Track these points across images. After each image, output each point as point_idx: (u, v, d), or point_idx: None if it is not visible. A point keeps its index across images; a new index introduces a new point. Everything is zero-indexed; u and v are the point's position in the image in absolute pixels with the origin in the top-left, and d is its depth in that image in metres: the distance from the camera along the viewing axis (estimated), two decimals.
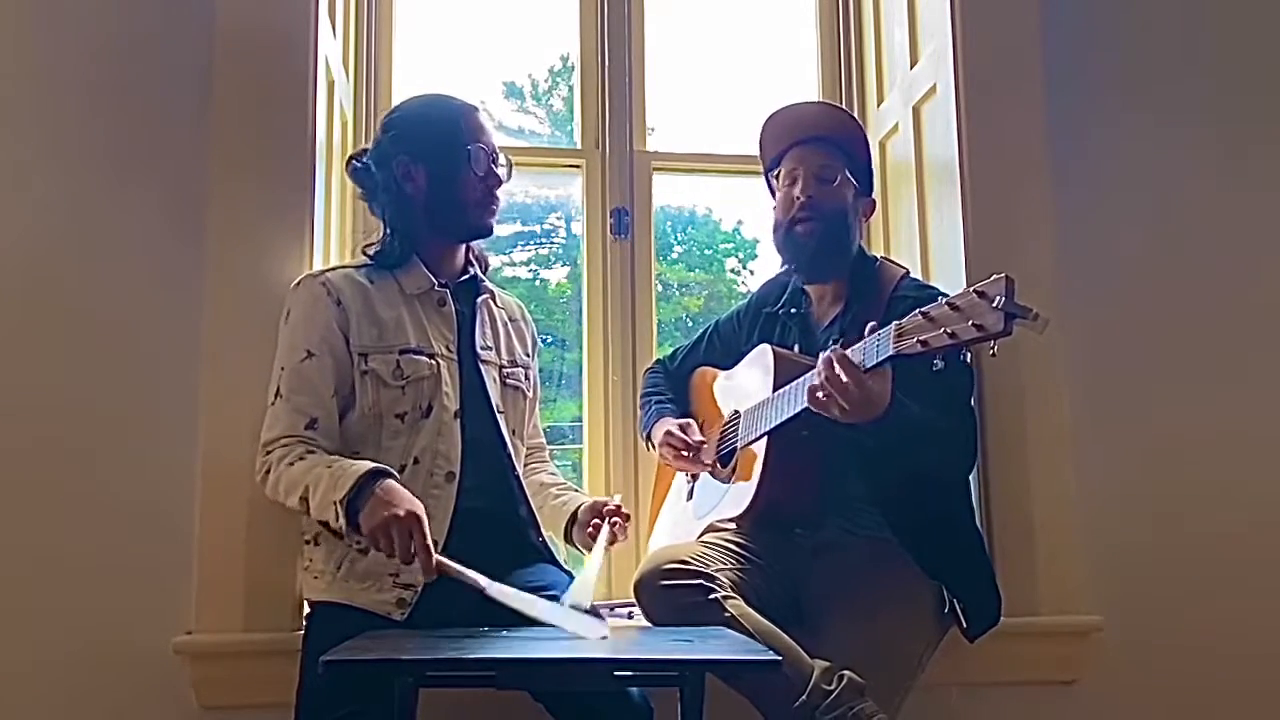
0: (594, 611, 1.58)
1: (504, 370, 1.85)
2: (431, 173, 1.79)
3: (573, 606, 1.52)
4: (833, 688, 1.55)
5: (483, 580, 1.51)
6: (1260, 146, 2.32)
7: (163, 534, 1.89)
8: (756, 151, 2.04)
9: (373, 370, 1.70)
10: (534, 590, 1.67)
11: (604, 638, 1.47)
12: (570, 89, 2.74)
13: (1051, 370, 2.06)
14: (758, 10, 2.84)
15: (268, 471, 1.68)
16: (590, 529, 1.77)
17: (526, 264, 2.92)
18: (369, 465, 1.57)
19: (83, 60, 2.02)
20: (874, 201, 2.00)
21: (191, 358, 1.90)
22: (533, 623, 1.51)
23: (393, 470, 1.60)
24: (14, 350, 1.94)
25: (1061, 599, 2.01)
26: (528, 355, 1.92)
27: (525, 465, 1.90)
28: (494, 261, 2.06)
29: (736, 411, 1.94)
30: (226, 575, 1.83)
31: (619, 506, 1.77)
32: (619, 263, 2.44)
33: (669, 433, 1.99)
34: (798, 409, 1.68)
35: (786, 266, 2.00)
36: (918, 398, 1.65)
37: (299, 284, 1.77)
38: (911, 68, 2.33)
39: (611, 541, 1.75)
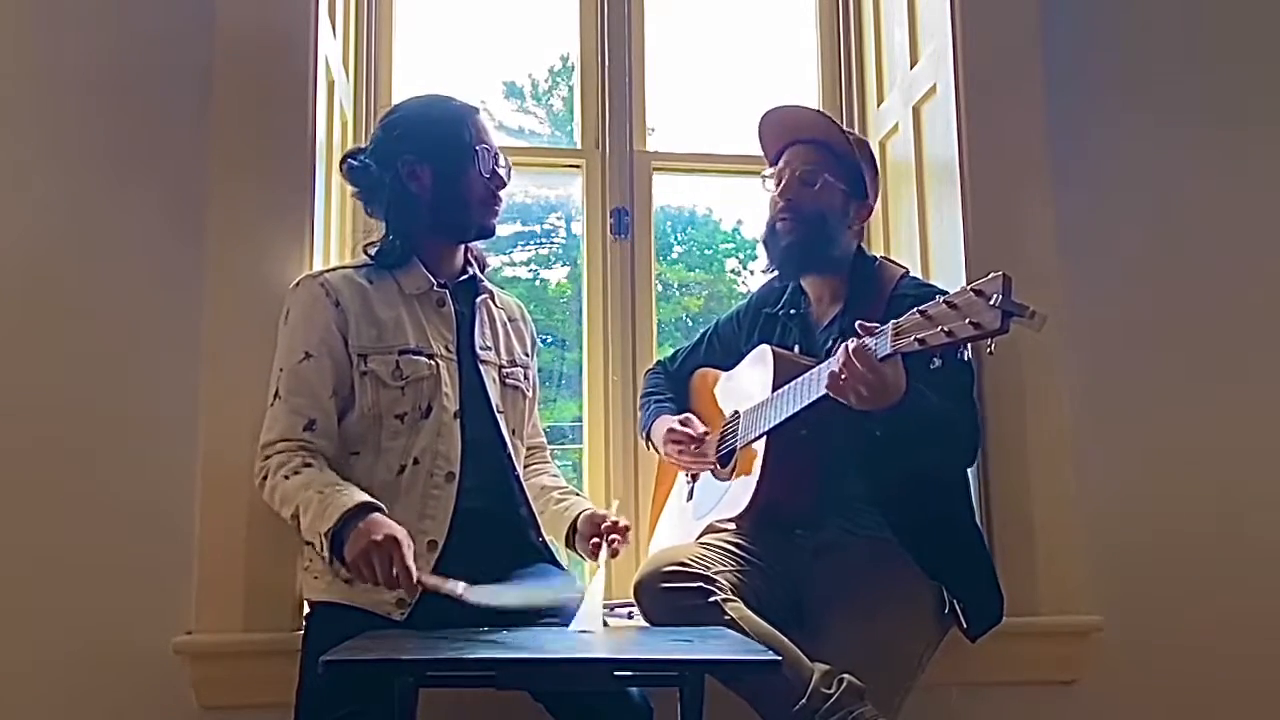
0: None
1: (503, 370, 1.85)
2: (437, 172, 1.79)
3: (581, 631, 1.53)
4: (832, 691, 1.55)
5: (460, 587, 1.53)
6: (1260, 146, 2.32)
7: (163, 534, 1.89)
8: (756, 152, 2.06)
9: (372, 371, 1.70)
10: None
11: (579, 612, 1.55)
12: (570, 89, 2.74)
13: (1051, 370, 2.06)
14: (758, 10, 2.84)
15: (265, 477, 1.68)
16: (590, 545, 1.76)
17: (526, 264, 2.92)
18: (358, 499, 1.58)
19: (83, 60, 2.02)
20: (870, 205, 1.99)
21: (191, 358, 1.90)
22: (526, 617, 1.53)
23: (380, 505, 1.60)
24: (14, 350, 1.94)
25: (1061, 599, 2.01)
26: (527, 355, 1.92)
27: (526, 466, 1.90)
28: (494, 261, 2.06)
29: (736, 412, 1.94)
30: (226, 575, 1.83)
31: (616, 522, 1.76)
32: (619, 263, 2.44)
33: (671, 429, 1.99)
34: (806, 402, 1.68)
35: (768, 266, 2.01)
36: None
37: (298, 284, 1.77)
38: (911, 68, 2.33)
39: (612, 556, 1.74)
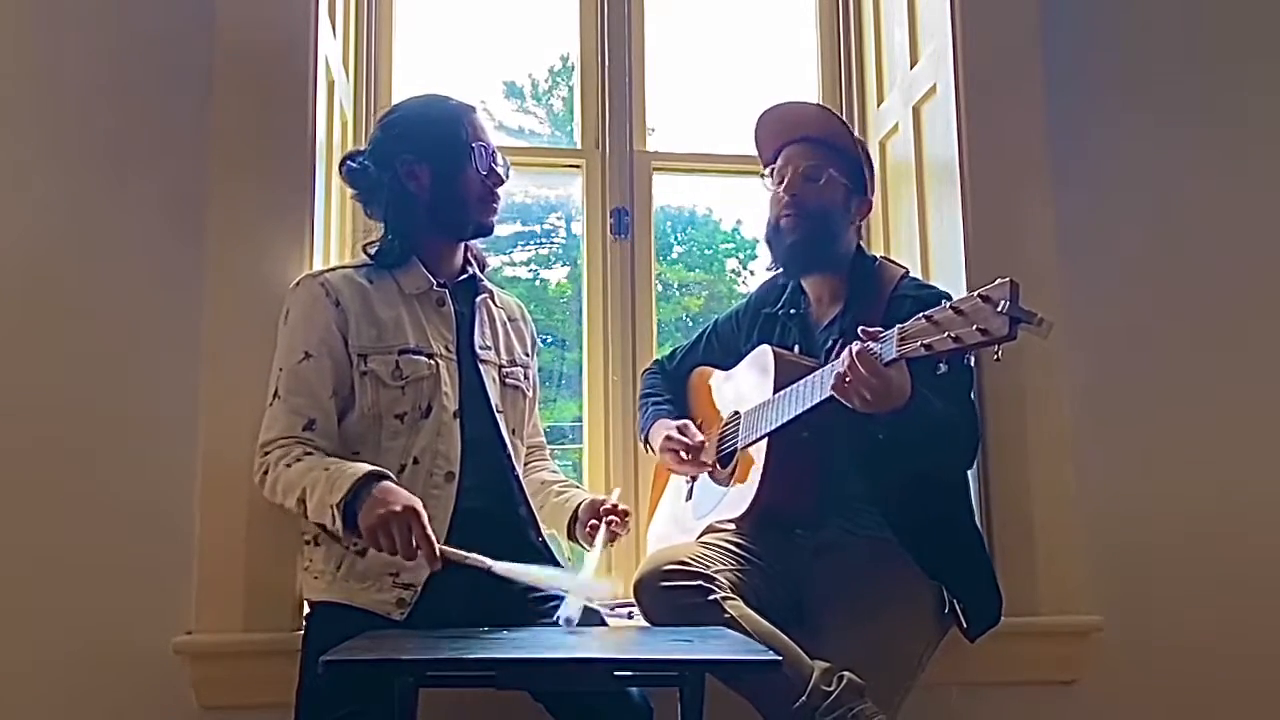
0: (595, 615, 1.59)
1: (503, 370, 1.85)
2: (435, 171, 1.79)
3: (565, 621, 1.53)
4: (832, 689, 1.55)
5: (487, 560, 1.53)
6: (1260, 146, 2.32)
7: (163, 534, 1.89)
8: (755, 151, 2.05)
9: (372, 371, 1.70)
10: (533, 591, 1.68)
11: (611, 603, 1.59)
12: (570, 89, 2.74)
13: (1052, 370, 2.06)
14: (758, 10, 2.84)
15: (265, 472, 1.68)
16: (589, 529, 1.77)
17: (526, 264, 2.92)
18: (366, 468, 1.57)
19: (83, 60, 2.02)
20: (869, 202, 1.99)
21: (191, 358, 1.90)
22: (536, 611, 1.52)
23: (389, 472, 1.60)
24: (14, 350, 1.94)
25: (1061, 599, 2.01)
26: (527, 355, 1.92)
27: (526, 464, 1.90)
28: (494, 261, 2.06)
29: (736, 413, 1.94)
30: (226, 575, 1.83)
31: (616, 505, 1.77)
32: (619, 263, 2.44)
33: (669, 436, 1.99)
34: (809, 404, 1.68)
35: (772, 264, 2.00)
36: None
37: (298, 284, 1.77)
38: (911, 68, 2.33)
39: (611, 540, 1.75)
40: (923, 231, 2.28)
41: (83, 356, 1.94)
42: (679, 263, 3.01)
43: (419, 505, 1.53)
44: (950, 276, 2.11)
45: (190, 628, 1.84)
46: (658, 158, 2.52)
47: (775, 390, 1.81)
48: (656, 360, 2.27)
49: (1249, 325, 2.25)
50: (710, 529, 1.90)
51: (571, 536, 1.84)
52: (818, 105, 2.30)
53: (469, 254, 1.89)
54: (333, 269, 1.82)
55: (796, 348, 1.95)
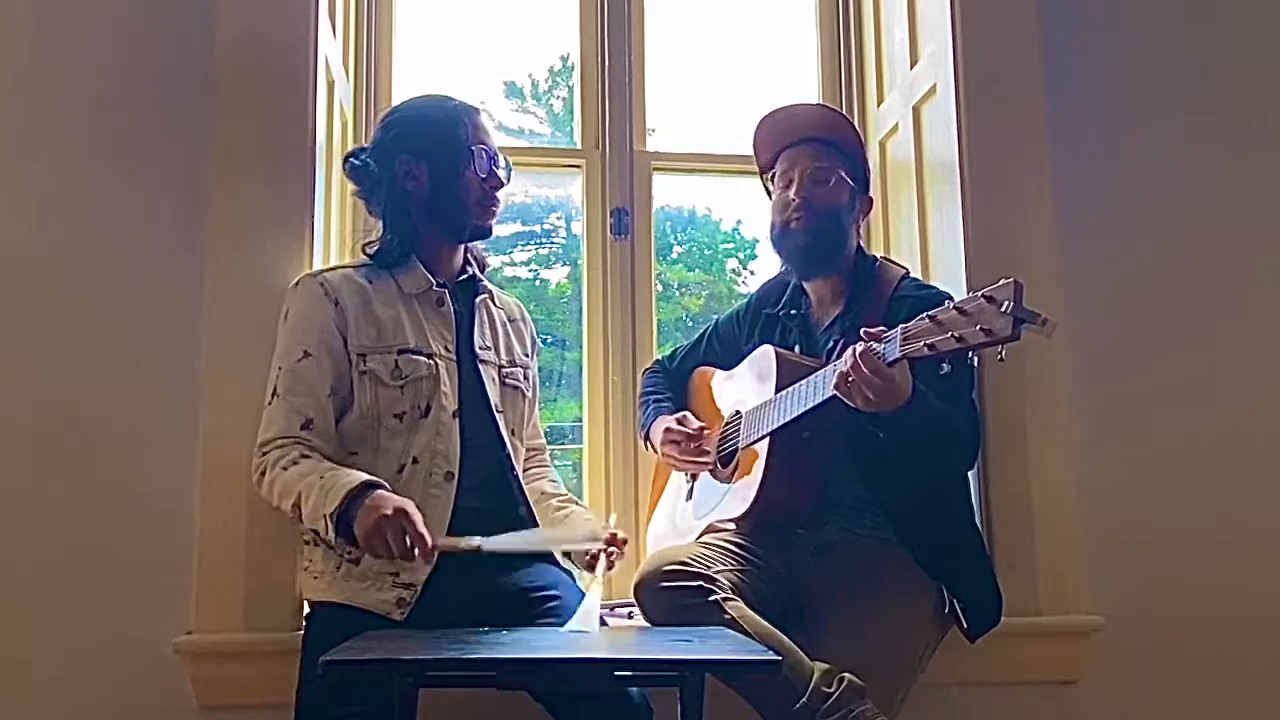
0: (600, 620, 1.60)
1: (503, 370, 1.85)
2: (433, 171, 1.79)
3: (576, 631, 1.53)
4: (833, 690, 1.55)
5: (476, 540, 1.55)
6: (1260, 147, 2.31)
7: (163, 534, 1.88)
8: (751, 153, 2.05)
9: (371, 370, 1.70)
10: (532, 591, 1.68)
11: (601, 541, 1.64)
12: (570, 89, 2.74)
13: (1052, 370, 2.06)
14: (758, 10, 2.84)
15: (263, 473, 1.68)
16: (588, 558, 1.75)
17: (526, 264, 2.92)
18: (360, 478, 1.58)
19: (83, 60, 2.02)
20: (871, 200, 2.00)
21: (192, 358, 1.90)
22: (536, 611, 1.54)
23: (383, 480, 1.60)
24: (14, 350, 1.93)
25: (1061, 599, 2.01)
26: (527, 355, 1.92)
27: (525, 469, 1.90)
28: (494, 261, 2.06)
29: (737, 412, 1.94)
30: (226, 575, 1.83)
31: (614, 534, 1.75)
32: (619, 263, 2.44)
33: (668, 429, 1.99)
34: (811, 404, 1.68)
35: (784, 266, 2.00)
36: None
37: (297, 284, 1.77)
38: (911, 68, 2.33)
39: (609, 569, 1.74)
40: (923, 231, 2.28)
41: (83, 356, 1.94)
42: (679, 263, 3.02)
43: (409, 505, 1.54)
44: (950, 276, 2.11)
45: (190, 627, 1.84)
46: (658, 158, 2.52)
47: (777, 390, 1.81)
48: (657, 360, 2.27)
49: (1249, 325, 2.25)
50: (710, 529, 1.90)
51: (567, 555, 1.83)
52: (820, 105, 2.30)
53: (469, 254, 1.88)
54: (332, 268, 1.82)
55: (797, 348, 1.95)
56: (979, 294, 1.42)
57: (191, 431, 1.88)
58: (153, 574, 1.88)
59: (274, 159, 1.96)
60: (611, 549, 1.72)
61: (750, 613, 1.64)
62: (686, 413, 2.03)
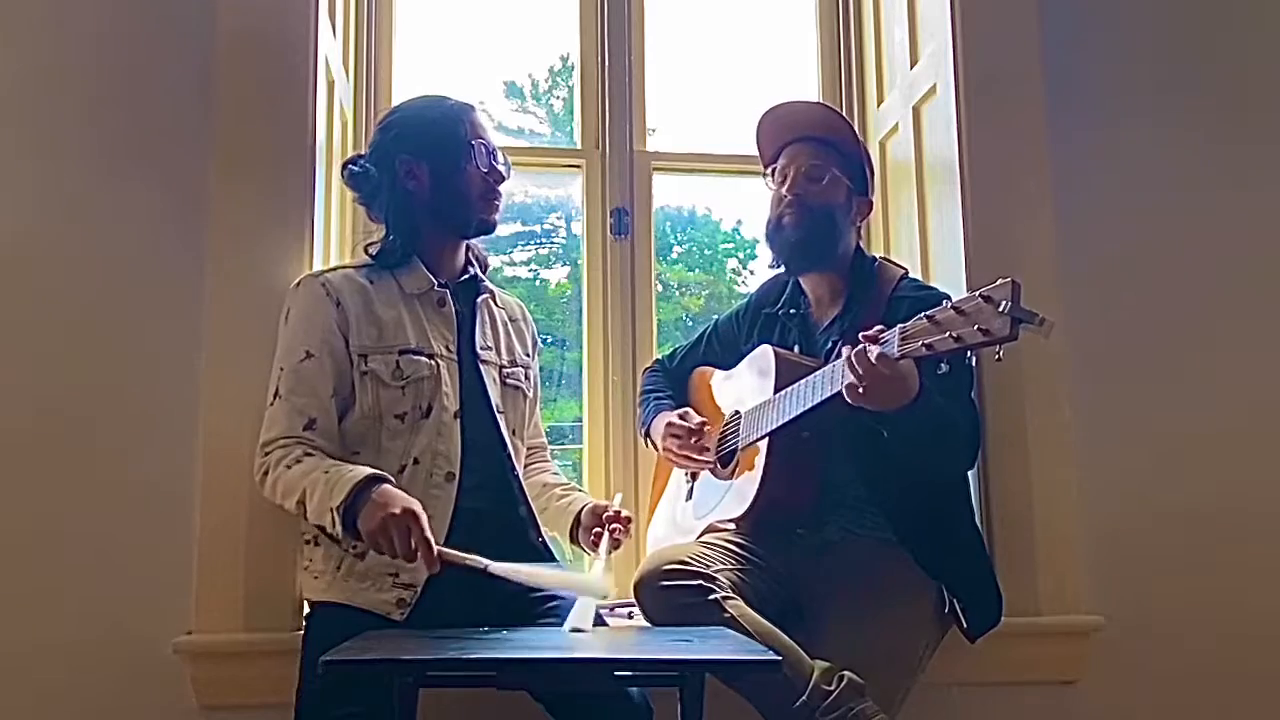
0: (598, 619, 1.60)
1: (504, 370, 1.85)
2: (434, 169, 1.79)
3: (573, 630, 1.53)
4: (832, 688, 1.55)
5: (484, 561, 1.53)
6: (1259, 147, 2.31)
7: (163, 534, 1.88)
8: (756, 151, 2.05)
9: (372, 370, 1.70)
10: (532, 591, 1.68)
11: (606, 595, 1.60)
12: (570, 89, 2.74)
13: (1052, 370, 2.07)
14: (758, 10, 2.84)
15: (266, 473, 1.67)
16: (592, 536, 1.76)
17: (526, 264, 2.92)
18: (365, 471, 1.57)
19: (83, 60, 2.02)
20: (870, 202, 1.99)
21: (192, 358, 1.90)
22: (536, 611, 1.53)
23: (389, 475, 1.60)
24: (15, 350, 1.93)
25: (1061, 599, 2.01)
26: (528, 355, 1.92)
27: (527, 465, 1.90)
28: (494, 261, 2.06)
29: (737, 412, 1.94)
30: (226, 575, 1.83)
31: (619, 512, 1.76)
32: (619, 263, 2.44)
33: (670, 423, 1.99)
34: (812, 403, 1.68)
35: (774, 262, 2.00)
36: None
37: (299, 284, 1.77)
38: (911, 68, 2.33)
39: (614, 547, 1.74)
40: (923, 231, 2.28)
41: (84, 356, 1.94)
42: (679, 263, 3.02)
43: (418, 507, 1.53)
44: (950, 276, 2.11)
45: (190, 627, 1.84)
46: (658, 158, 2.52)
47: (776, 390, 1.81)
48: (657, 359, 2.27)
49: (1249, 325, 2.25)
50: (710, 528, 1.90)
51: (574, 540, 1.84)
52: (820, 104, 2.30)
53: (471, 254, 1.89)
54: (333, 269, 1.82)
55: (797, 348, 1.95)
56: (977, 294, 1.42)
57: (191, 431, 1.88)
58: (153, 574, 1.88)
59: (274, 159, 1.96)
60: (615, 526, 1.73)
61: (750, 612, 1.64)
62: (689, 409, 2.03)
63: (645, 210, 2.48)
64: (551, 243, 2.92)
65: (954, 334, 1.43)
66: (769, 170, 2.00)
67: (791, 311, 2.00)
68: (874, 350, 1.52)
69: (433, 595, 1.63)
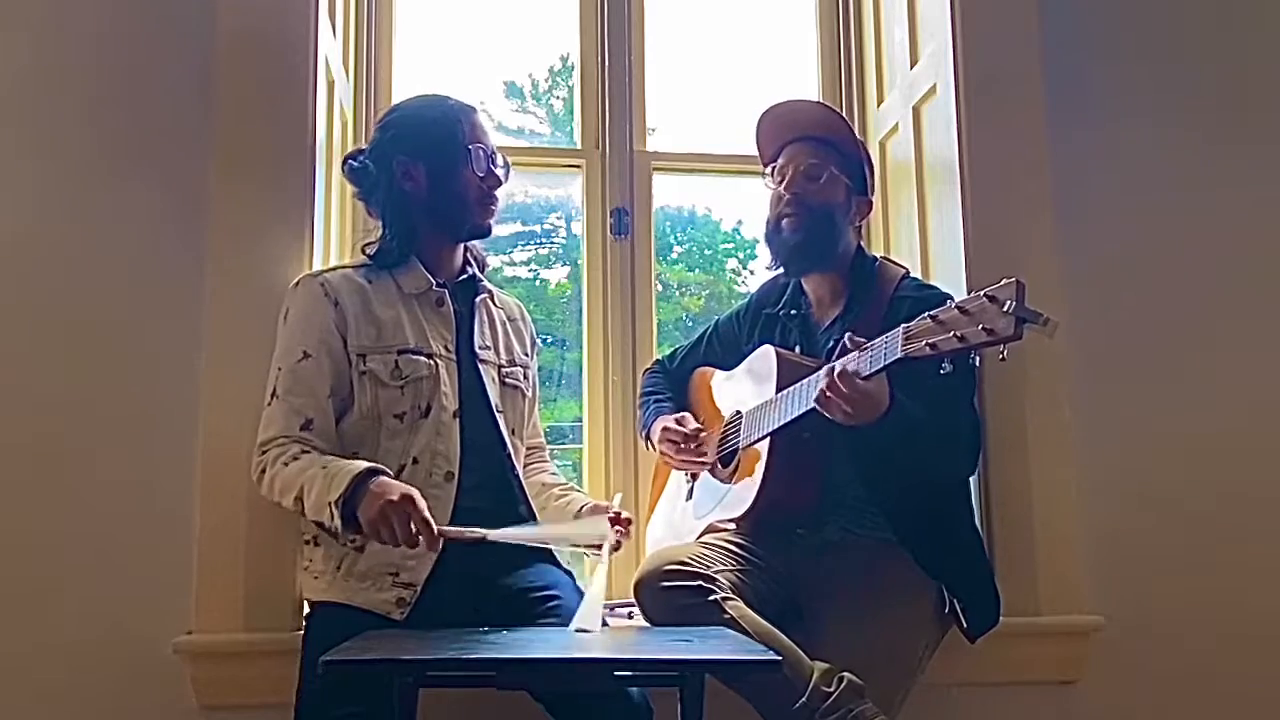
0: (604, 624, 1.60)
1: (503, 370, 1.85)
2: (431, 171, 1.79)
3: (579, 630, 1.53)
4: (832, 689, 1.55)
5: (481, 531, 1.56)
6: (1260, 147, 2.31)
7: (163, 534, 1.88)
8: (755, 151, 2.05)
9: (371, 370, 1.70)
10: (533, 591, 1.68)
11: (610, 542, 1.64)
12: (570, 89, 2.74)
13: (1052, 370, 2.07)
14: (758, 10, 2.84)
15: (263, 471, 1.68)
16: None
17: (526, 264, 2.92)
18: (363, 465, 1.58)
19: (83, 60, 2.02)
20: (870, 201, 1.99)
21: (192, 358, 1.90)
22: (536, 610, 1.55)
23: (386, 469, 1.60)
24: (14, 350, 1.93)
25: (1061, 599, 2.01)
26: (526, 355, 1.92)
27: (526, 465, 1.90)
28: (494, 261, 2.06)
29: (738, 412, 1.94)
30: (226, 575, 1.83)
31: (620, 513, 1.77)
32: (619, 263, 2.44)
33: (666, 428, 1.99)
34: (803, 410, 1.69)
35: (771, 264, 2.00)
36: (920, 399, 1.65)
37: (297, 284, 1.77)
38: (911, 68, 2.33)
39: (615, 549, 1.74)
40: (923, 231, 2.28)
41: (83, 356, 1.94)
42: (679, 263, 3.02)
43: (415, 492, 1.54)
44: (950, 276, 2.11)
45: (190, 627, 1.84)
46: (658, 158, 2.52)
47: (777, 390, 1.81)
48: (657, 360, 2.27)
49: (1249, 325, 2.25)
50: (710, 529, 1.90)
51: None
52: (820, 103, 2.30)
53: (469, 254, 1.89)
54: (332, 269, 1.82)
55: (798, 348, 1.95)
56: (981, 293, 1.42)
57: (191, 431, 1.88)
58: (152, 574, 1.88)
59: (274, 159, 1.96)
60: (617, 528, 1.73)
61: (750, 612, 1.64)
62: (687, 414, 2.03)
63: (645, 210, 2.48)
64: (551, 243, 2.92)
65: (958, 333, 1.43)
66: (768, 170, 2.00)
67: (792, 312, 2.00)
68: (837, 366, 1.57)
69: (433, 595, 1.63)
